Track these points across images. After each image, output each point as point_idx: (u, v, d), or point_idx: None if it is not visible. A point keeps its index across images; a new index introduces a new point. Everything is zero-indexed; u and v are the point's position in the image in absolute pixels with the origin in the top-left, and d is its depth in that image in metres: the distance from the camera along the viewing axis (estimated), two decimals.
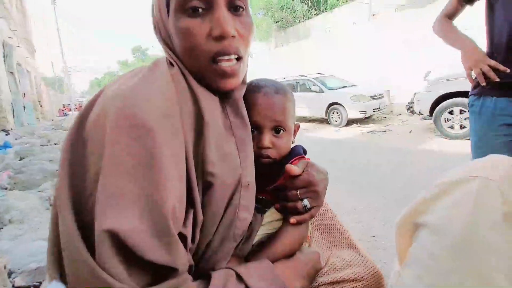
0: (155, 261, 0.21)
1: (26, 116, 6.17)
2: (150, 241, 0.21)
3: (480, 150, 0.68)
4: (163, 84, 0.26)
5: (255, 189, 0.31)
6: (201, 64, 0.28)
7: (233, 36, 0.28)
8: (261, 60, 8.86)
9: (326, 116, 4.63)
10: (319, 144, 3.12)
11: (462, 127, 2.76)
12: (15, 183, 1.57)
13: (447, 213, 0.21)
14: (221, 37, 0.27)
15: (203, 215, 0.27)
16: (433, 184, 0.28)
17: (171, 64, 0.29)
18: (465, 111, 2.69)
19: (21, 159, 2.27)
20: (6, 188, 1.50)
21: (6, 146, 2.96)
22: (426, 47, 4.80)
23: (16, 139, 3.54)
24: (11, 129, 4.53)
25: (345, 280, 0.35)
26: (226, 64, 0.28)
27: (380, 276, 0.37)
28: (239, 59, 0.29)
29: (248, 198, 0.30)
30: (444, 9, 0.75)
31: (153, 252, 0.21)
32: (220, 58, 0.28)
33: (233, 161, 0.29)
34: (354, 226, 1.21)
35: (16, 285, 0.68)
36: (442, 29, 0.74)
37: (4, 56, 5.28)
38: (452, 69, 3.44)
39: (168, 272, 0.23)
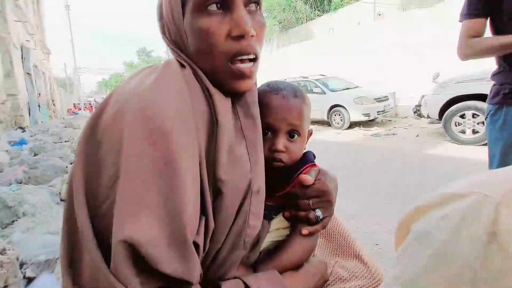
0: (170, 274, 0.21)
1: (40, 114, 6.46)
2: (166, 252, 0.21)
3: (506, 162, 0.66)
4: (177, 85, 0.26)
5: (264, 194, 0.30)
6: (218, 65, 0.28)
7: (251, 36, 0.28)
8: (262, 61, 8.86)
9: (327, 118, 4.58)
10: (320, 147, 3.05)
11: (474, 131, 2.65)
12: (29, 178, 1.64)
13: (435, 223, 0.22)
14: (241, 37, 0.27)
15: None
16: (434, 192, 0.27)
17: (182, 65, 0.29)
18: (478, 115, 2.58)
19: (35, 155, 2.38)
20: (21, 182, 1.58)
21: (23, 142, 3.12)
22: (433, 47, 4.67)
23: (31, 136, 3.71)
24: (27, 126, 4.76)
25: None
26: (244, 65, 0.28)
27: None
28: (254, 59, 0.29)
29: (258, 204, 0.29)
30: (467, 33, 0.67)
31: (169, 264, 0.21)
32: (239, 58, 0.28)
33: (243, 165, 0.28)
34: (356, 232, 1.19)
35: (27, 275, 0.71)
36: (476, 45, 0.66)
37: (22, 59, 5.56)
38: (454, 70, 3.31)
39: (182, 284, 0.22)
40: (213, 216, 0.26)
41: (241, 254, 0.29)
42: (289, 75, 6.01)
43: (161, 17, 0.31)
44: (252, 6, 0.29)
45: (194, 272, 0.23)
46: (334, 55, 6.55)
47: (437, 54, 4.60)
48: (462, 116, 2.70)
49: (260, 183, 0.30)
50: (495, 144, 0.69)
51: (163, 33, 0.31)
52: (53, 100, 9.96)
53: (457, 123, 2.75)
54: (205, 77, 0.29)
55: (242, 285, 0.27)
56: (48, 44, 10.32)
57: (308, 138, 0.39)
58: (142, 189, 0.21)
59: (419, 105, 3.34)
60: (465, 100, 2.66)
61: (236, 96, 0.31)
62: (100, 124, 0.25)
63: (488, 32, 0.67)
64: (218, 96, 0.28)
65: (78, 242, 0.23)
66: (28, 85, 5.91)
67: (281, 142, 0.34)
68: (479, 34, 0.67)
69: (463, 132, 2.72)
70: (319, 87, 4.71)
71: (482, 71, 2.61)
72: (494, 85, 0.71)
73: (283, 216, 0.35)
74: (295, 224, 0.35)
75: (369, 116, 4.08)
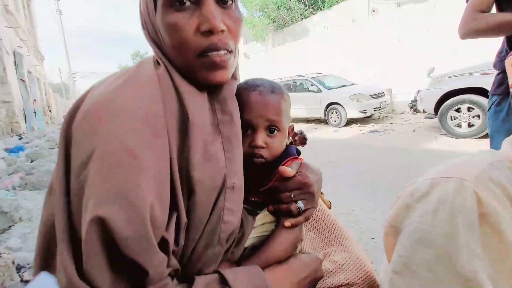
0: (132, 256, 0.21)
1: (36, 121, 6.41)
2: (128, 231, 0.21)
3: None
4: (147, 85, 0.26)
5: (242, 190, 0.30)
6: (189, 59, 0.28)
7: (222, 31, 0.27)
8: (258, 61, 8.86)
9: (324, 116, 4.59)
10: (317, 145, 3.06)
11: (470, 125, 2.65)
12: (25, 184, 1.64)
13: (428, 218, 0.22)
14: (210, 32, 0.27)
15: (188, 219, 0.26)
16: (412, 183, 0.27)
17: (158, 62, 0.29)
18: (473, 108, 2.59)
19: (31, 161, 2.36)
20: (18, 188, 1.58)
21: (20, 149, 3.10)
22: (428, 43, 4.70)
23: (27, 143, 3.69)
24: (23, 133, 4.71)
25: (337, 286, 0.35)
26: (215, 54, 0.27)
27: (372, 279, 0.36)
28: (229, 52, 0.29)
29: (233, 200, 0.29)
30: (475, 6, 0.62)
31: (131, 244, 0.21)
32: (209, 54, 0.27)
33: (218, 162, 0.28)
34: (352, 227, 1.19)
35: (24, 279, 0.72)
36: (483, 20, 0.60)
37: (15, 65, 5.50)
38: (450, 64, 3.31)
39: (144, 277, 0.23)
40: (188, 213, 0.26)
41: (216, 249, 0.29)
42: (285, 74, 5.99)
43: (140, 12, 0.31)
44: (225, 0, 0.28)
45: (155, 266, 0.23)
46: (329, 52, 6.55)
47: (432, 49, 4.63)
48: (458, 110, 2.71)
49: (236, 179, 0.29)
50: (497, 136, 0.67)
51: (143, 28, 0.31)
52: (49, 106, 9.88)
53: (452, 117, 2.75)
54: (177, 73, 0.29)
55: (217, 277, 0.27)
56: (41, 49, 10.21)
57: (290, 134, 0.39)
58: (100, 181, 0.22)
59: (415, 101, 3.35)
60: (460, 94, 2.66)
61: (213, 91, 0.31)
62: (73, 123, 0.25)
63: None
64: (190, 92, 0.28)
65: (54, 238, 0.24)
66: (23, 92, 5.85)
67: (260, 138, 0.34)
68: (487, 9, 0.62)
69: (459, 126, 2.73)
70: (315, 85, 4.70)
71: (476, 65, 2.62)
72: (498, 73, 0.68)
73: (267, 210, 0.35)
74: (279, 217, 0.35)
75: (365, 112, 4.09)
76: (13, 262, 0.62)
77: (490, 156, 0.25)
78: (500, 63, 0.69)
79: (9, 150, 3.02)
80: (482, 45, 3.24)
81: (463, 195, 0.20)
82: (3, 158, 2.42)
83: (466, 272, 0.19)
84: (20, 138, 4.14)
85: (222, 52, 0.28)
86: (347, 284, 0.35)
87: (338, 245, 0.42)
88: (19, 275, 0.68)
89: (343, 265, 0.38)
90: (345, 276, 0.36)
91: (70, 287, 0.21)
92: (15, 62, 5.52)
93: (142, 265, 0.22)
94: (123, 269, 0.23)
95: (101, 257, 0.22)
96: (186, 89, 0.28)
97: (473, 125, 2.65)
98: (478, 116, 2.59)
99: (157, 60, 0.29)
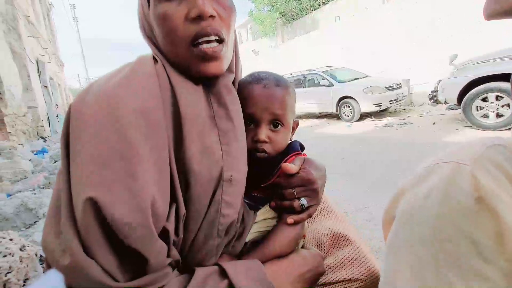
0: (131, 243, 0.22)
1: (59, 124, 6.90)
2: (128, 216, 0.22)
3: None
4: (145, 80, 0.26)
5: (242, 184, 0.30)
6: (181, 49, 0.28)
7: (212, 17, 0.27)
8: (267, 57, 8.75)
9: (336, 111, 4.45)
10: (330, 140, 3.00)
11: (499, 115, 2.42)
12: (49, 183, 1.76)
13: (418, 200, 0.21)
14: (199, 18, 0.27)
15: (187, 211, 0.27)
16: (414, 171, 0.26)
17: (155, 59, 0.29)
18: (502, 97, 2.36)
19: (54, 162, 2.54)
20: (42, 188, 1.70)
21: (44, 151, 3.36)
22: (448, 29, 4.33)
23: (48, 146, 3.98)
24: (48, 136, 5.10)
25: (338, 281, 0.34)
26: (206, 45, 0.28)
27: (377, 275, 0.35)
28: (221, 41, 0.28)
29: (231, 193, 0.29)
30: None
31: (131, 231, 0.22)
32: (200, 40, 0.27)
33: (214, 155, 0.28)
34: (366, 224, 1.12)
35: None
36: None
37: (38, 72, 5.92)
38: (472, 51, 3.02)
39: (145, 264, 0.23)
40: (187, 205, 0.27)
41: (216, 242, 0.29)
42: (296, 69, 5.87)
43: (138, 15, 0.32)
44: None
45: (155, 255, 0.23)
46: (342, 44, 6.31)
47: (452, 36, 4.28)
48: (484, 100, 2.48)
49: (233, 172, 0.29)
50: None
51: (141, 29, 0.32)
52: None
53: (478, 107, 2.53)
54: (172, 67, 0.29)
55: (216, 269, 0.27)
56: (60, 55, 10.92)
57: (294, 130, 0.39)
58: (99, 168, 0.22)
59: (435, 91, 3.12)
60: (486, 82, 2.42)
61: (210, 84, 0.31)
62: (74, 116, 0.25)
63: None
64: (183, 87, 0.28)
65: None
66: (46, 97, 6.30)
67: (264, 132, 0.33)
68: None
69: (486, 116, 2.51)
70: (327, 79, 4.55)
71: (504, 49, 2.39)
72: None
73: (270, 206, 0.35)
74: (281, 213, 0.34)
75: (380, 106, 3.89)
76: (36, 254, 0.66)
77: (492, 140, 0.23)
78: None
79: (35, 152, 3.28)
80: (507, 28, 2.91)
81: (459, 179, 0.19)
82: (30, 159, 2.62)
83: (449, 253, 0.18)
84: (45, 141, 4.48)
85: (213, 38, 0.28)
86: (349, 279, 0.34)
87: (344, 239, 0.41)
88: (42, 267, 0.72)
89: (346, 258, 0.36)
90: (347, 272, 0.35)
91: (76, 261, 0.21)
92: (38, 69, 5.94)
93: (142, 252, 0.23)
94: (125, 254, 0.23)
95: (100, 238, 0.22)
96: (180, 83, 0.28)
97: (502, 115, 2.42)
98: (508, 105, 2.36)
99: (154, 57, 0.30)
